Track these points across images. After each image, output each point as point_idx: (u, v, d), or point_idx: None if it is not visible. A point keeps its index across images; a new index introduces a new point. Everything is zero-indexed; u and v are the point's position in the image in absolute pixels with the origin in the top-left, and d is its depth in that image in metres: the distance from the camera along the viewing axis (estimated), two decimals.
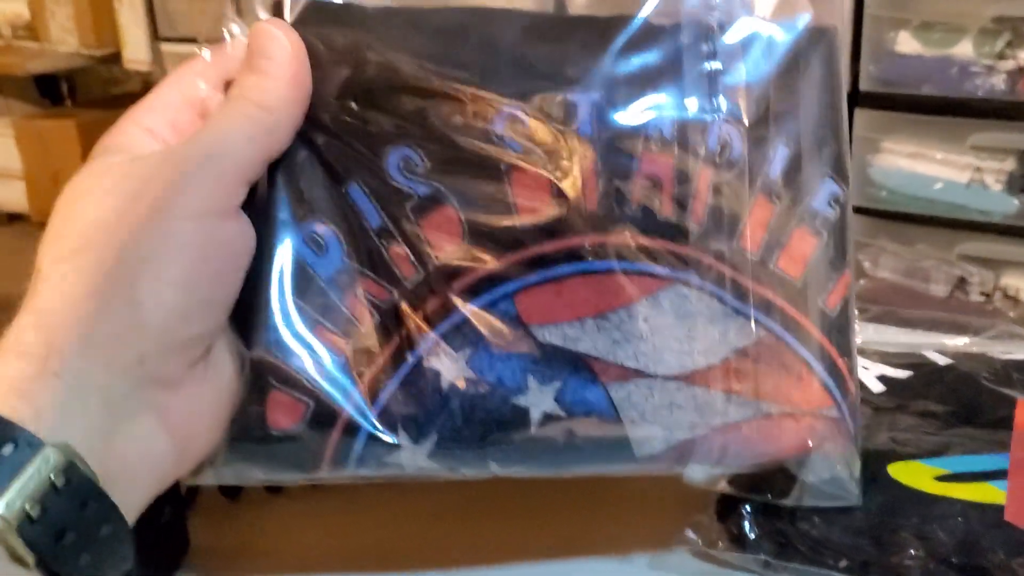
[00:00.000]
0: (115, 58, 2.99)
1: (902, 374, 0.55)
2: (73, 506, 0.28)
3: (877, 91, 1.70)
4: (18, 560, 0.27)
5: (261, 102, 0.34)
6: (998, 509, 0.42)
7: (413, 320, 0.35)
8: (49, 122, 3.25)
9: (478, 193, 0.36)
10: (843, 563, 0.42)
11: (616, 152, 0.36)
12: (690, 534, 0.44)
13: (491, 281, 0.36)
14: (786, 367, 0.38)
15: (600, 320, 0.36)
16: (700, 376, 0.37)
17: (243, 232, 0.34)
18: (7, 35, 3.33)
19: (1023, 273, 1.69)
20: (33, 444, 0.28)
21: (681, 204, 0.36)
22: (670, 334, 0.36)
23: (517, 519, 0.48)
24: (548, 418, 0.36)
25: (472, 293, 0.35)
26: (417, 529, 0.48)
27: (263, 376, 0.35)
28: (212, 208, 0.33)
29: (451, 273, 0.36)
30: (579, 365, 0.36)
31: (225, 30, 0.37)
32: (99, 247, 0.31)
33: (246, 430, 0.35)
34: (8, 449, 0.27)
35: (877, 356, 0.57)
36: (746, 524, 0.43)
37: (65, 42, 3.08)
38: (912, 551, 0.41)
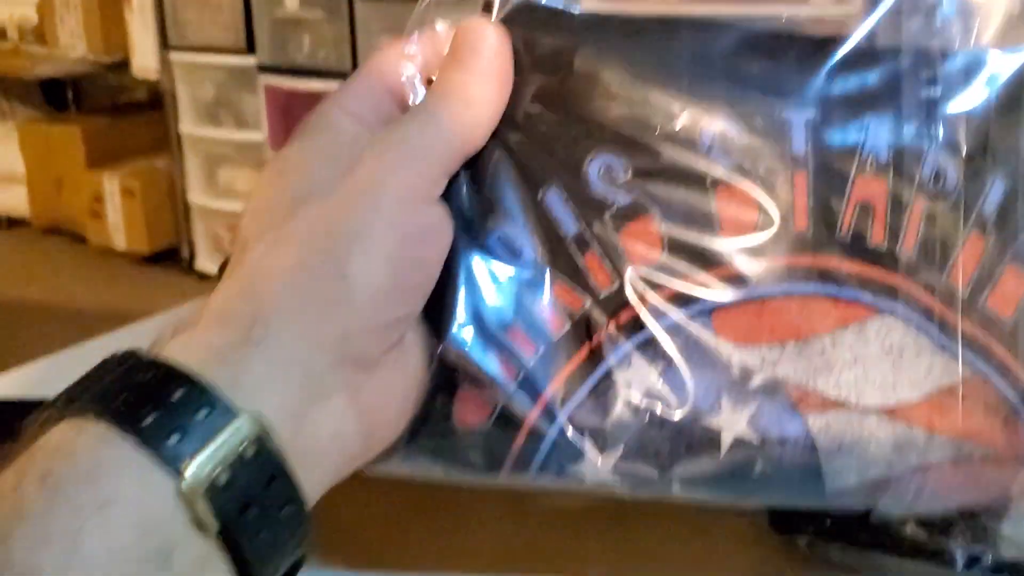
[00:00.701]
0: (123, 66, 2.99)
1: None
2: (260, 480, 0.28)
3: None
4: (200, 525, 0.26)
5: (465, 97, 0.34)
6: None
7: (606, 330, 0.35)
8: (54, 128, 3.25)
9: (681, 206, 0.35)
10: (887, 545, 0.41)
11: (829, 173, 0.35)
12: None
13: (688, 297, 0.34)
14: (992, 409, 0.36)
15: (802, 345, 0.34)
16: (902, 412, 0.35)
17: (443, 221, 0.34)
18: (15, 39, 3.33)
19: None
20: (228, 411, 0.27)
21: (893, 232, 0.35)
22: (874, 366, 0.35)
23: (564, 526, 0.47)
24: (740, 442, 0.35)
25: (669, 307, 0.34)
26: (486, 534, 0.47)
27: (452, 373, 0.34)
28: (416, 193, 0.33)
29: (648, 286, 0.34)
30: (776, 390, 0.34)
31: (434, 23, 0.37)
32: (310, 220, 0.31)
33: (432, 425, 0.35)
34: (203, 414, 0.27)
35: None
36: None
37: (73, 48, 3.08)
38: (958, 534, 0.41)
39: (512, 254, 0.35)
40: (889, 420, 0.35)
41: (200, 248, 2.97)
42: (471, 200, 0.35)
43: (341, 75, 2.40)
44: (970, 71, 0.36)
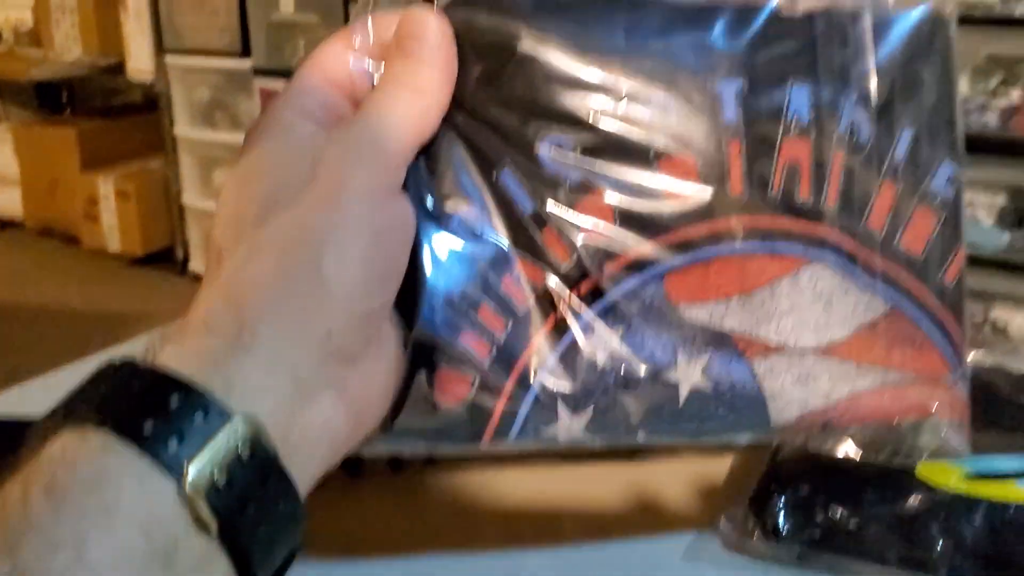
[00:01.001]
0: (118, 68, 3.01)
1: None
2: (256, 479, 0.29)
3: None
4: (201, 525, 0.27)
5: (415, 86, 0.35)
6: (1022, 507, 0.45)
7: (568, 301, 0.37)
8: (49, 130, 3.26)
9: (627, 178, 0.37)
10: (874, 555, 0.44)
11: (759, 138, 0.38)
12: (724, 526, 0.47)
13: (641, 264, 0.37)
14: (910, 338, 0.40)
15: (745, 299, 0.38)
16: (834, 348, 0.39)
17: (406, 210, 0.35)
18: (10, 41, 3.33)
19: (1013, 306, 1.73)
20: (223, 414, 0.28)
21: (818, 187, 0.39)
22: (808, 310, 0.39)
23: (554, 502, 0.50)
24: (695, 391, 0.38)
25: (623, 275, 0.37)
26: (456, 509, 0.50)
27: (429, 353, 0.36)
28: (380, 187, 0.34)
29: (603, 256, 0.37)
30: (724, 341, 0.38)
31: (367, 14, 0.38)
32: (282, 227, 0.32)
33: (414, 404, 0.36)
34: (199, 417, 0.28)
35: None
36: (780, 517, 0.46)
37: (69, 50, 3.09)
38: (940, 545, 0.44)
39: (473, 235, 0.37)
40: (823, 358, 0.39)
41: (194, 250, 2.98)
42: (430, 186, 0.37)
43: None
44: (877, 31, 0.39)
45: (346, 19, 2.37)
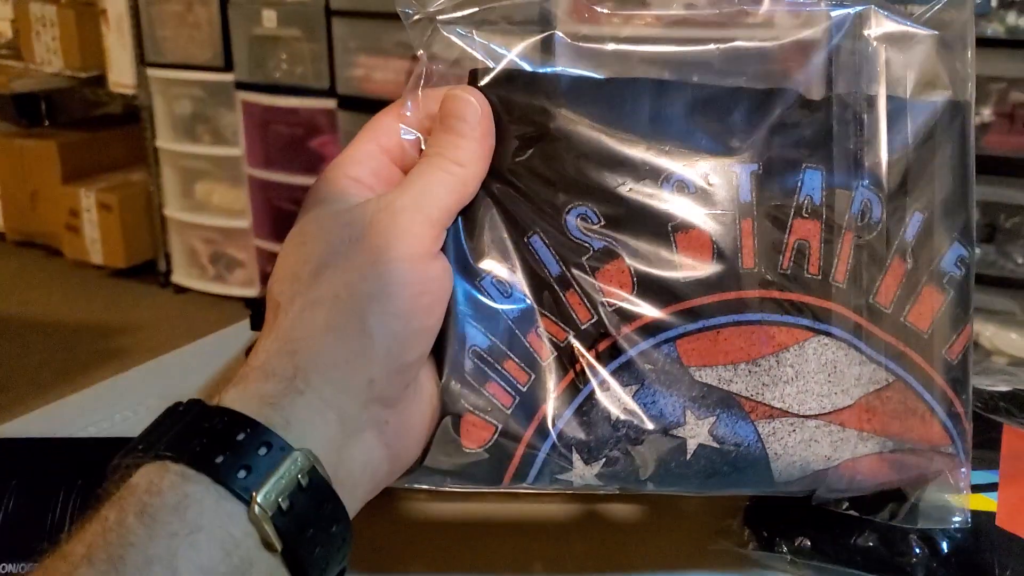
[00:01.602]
0: (98, 80, 3.02)
1: None
2: (313, 504, 0.33)
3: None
4: (268, 546, 0.31)
5: (456, 158, 0.40)
6: (990, 516, 0.48)
7: (587, 358, 0.40)
8: (29, 142, 3.25)
9: (647, 249, 0.40)
10: (858, 563, 0.47)
11: (771, 217, 0.41)
12: (720, 540, 0.49)
13: (656, 327, 0.40)
14: (912, 409, 0.42)
15: (751, 365, 0.41)
16: (837, 416, 0.41)
17: (445, 270, 0.39)
18: None
19: (983, 319, 1.76)
20: (284, 448, 0.32)
21: (827, 263, 0.41)
22: (812, 379, 0.41)
23: (553, 534, 0.52)
24: (703, 448, 0.40)
25: (639, 337, 0.40)
26: (470, 538, 0.52)
27: (458, 401, 0.39)
28: (422, 250, 0.38)
29: (621, 318, 0.40)
30: (732, 403, 0.40)
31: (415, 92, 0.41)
32: (334, 285, 0.36)
33: (442, 447, 0.40)
34: (263, 451, 0.32)
35: None
36: (773, 527, 0.49)
37: (50, 62, 3.08)
38: (917, 552, 0.47)
39: (503, 294, 0.40)
40: (826, 424, 0.41)
41: (176, 262, 2.99)
42: (467, 246, 0.41)
43: (318, 92, 2.44)
44: (893, 117, 0.41)
45: (328, 33, 2.40)
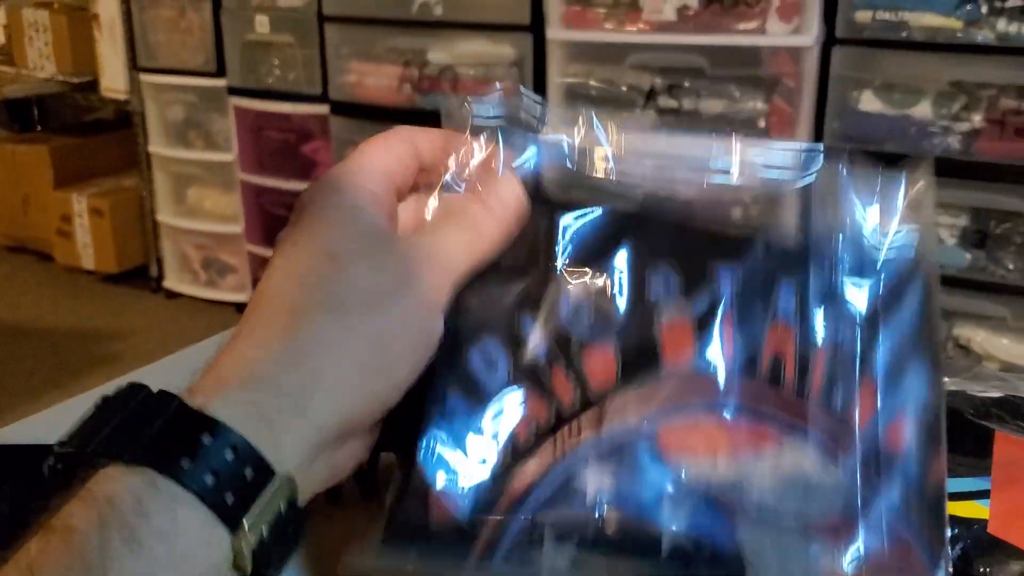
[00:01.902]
0: (91, 86, 3.02)
1: None
2: (288, 529, 0.32)
3: (841, 147, 1.78)
4: (238, 567, 0.30)
5: (483, 232, 0.40)
6: (983, 523, 0.48)
7: (568, 439, 0.40)
8: (21, 147, 3.25)
9: (633, 339, 0.41)
10: None
11: (749, 330, 0.42)
12: None
13: (638, 413, 0.40)
14: (889, 530, 0.42)
15: (729, 462, 0.41)
16: (814, 527, 0.41)
17: (434, 330, 0.39)
18: None
19: (975, 324, 1.77)
20: (267, 471, 0.31)
21: (801, 377, 0.42)
22: (789, 486, 0.41)
23: None
24: (677, 544, 0.39)
25: (621, 421, 0.40)
26: None
27: (430, 472, 0.39)
28: (438, 304, 0.38)
29: (604, 402, 0.40)
30: (710, 501, 0.40)
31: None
32: (365, 326, 0.36)
33: (409, 517, 0.39)
34: (250, 473, 0.31)
35: None
36: None
37: (42, 68, 3.09)
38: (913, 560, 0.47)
39: (491, 366, 0.41)
40: (805, 536, 0.41)
41: (169, 267, 2.98)
42: (460, 314, 0.41)
43: (311, 97, 2.44)
44: (863, 256, 0.43)
45: (321, 38, 2.39)
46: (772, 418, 0.41)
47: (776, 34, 1.74)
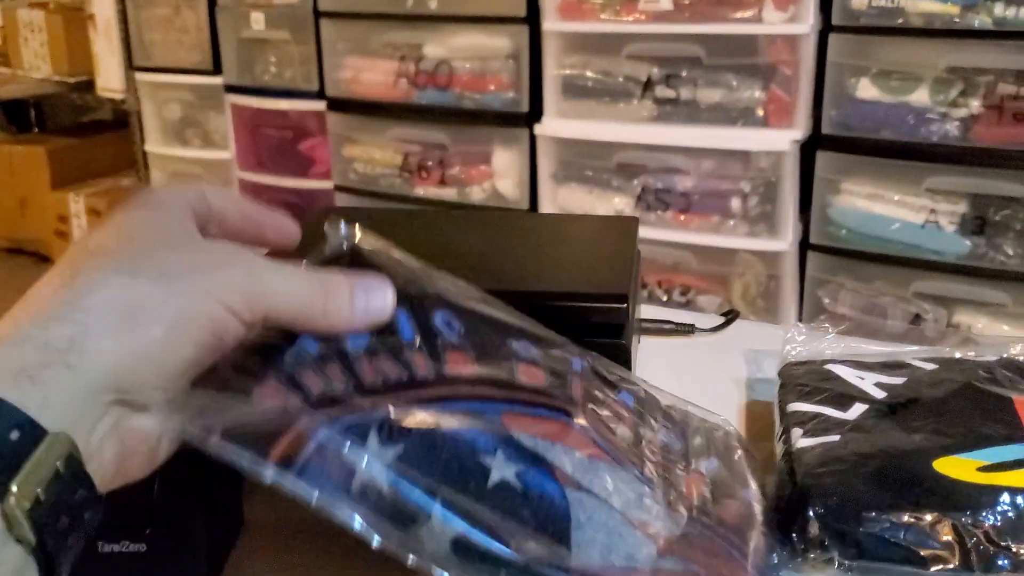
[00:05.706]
0: (87, 86, 3.01)
1: (897, 379, 0.59)
2: (69, 492, 0.30)
3: (838, 135, 1.78)
4: (20, 539, 0.29)
5: (324, 309, 0.40)
6: None
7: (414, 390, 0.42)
8: (18, 148, 3.25)
9: (489, 351, 0.45)
10: (908, 556, 0.45)
11: (595, 391, 0.47)
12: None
13: (483, 397, 0.43)
14: (712, 551, 0.43)
15: (568, 449, 0.41)
16: (642, 527, 0.41)
17: (235, 329, 0.38)
18: None
19: (974, 311, 1.77)
20: (38, 430, 0.30)
21: (636, 444, 0.46)
22: (622, 489, 0.42)
23: None
24: (505, 483, 0.39)
25: (468, 398, 0.42)
26: None
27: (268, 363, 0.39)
28: (226, 296, 0.37)
29: (457, 381, 0.43)
30: (544, 464, 0.41)
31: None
32: (151, 282, 0.35)
33: (232, 385, 0.38)
34: (15, 435, 0.29)
35: (866, 366, 0.61)
36: (813, 528, 0.47)
37: (38, 68, 3.08)
38: (966, 537, 0.45)
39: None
40: (632, 528, 0.41)
41: None
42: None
43: (307, 94, 2.43)
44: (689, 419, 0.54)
45: (317, 35, 2.39)
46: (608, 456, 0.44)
47: (772, 22, 1.74)
